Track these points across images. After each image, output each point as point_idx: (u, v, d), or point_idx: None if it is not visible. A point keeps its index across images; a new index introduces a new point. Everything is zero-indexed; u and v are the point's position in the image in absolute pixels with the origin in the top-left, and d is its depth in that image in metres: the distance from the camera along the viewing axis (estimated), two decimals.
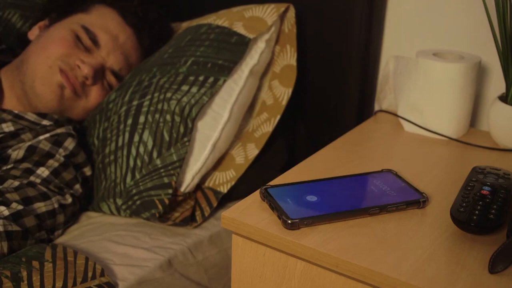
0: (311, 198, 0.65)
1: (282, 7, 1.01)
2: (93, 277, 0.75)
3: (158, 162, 0.93)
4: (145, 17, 1.10)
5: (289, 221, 0.59)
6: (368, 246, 0.58)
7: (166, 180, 0.91)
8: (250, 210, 0.64)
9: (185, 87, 0.96)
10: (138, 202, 0.92)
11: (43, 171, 0.91)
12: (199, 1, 1.21)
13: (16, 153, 0.92)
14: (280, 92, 1.04)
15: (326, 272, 0.59)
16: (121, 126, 0.97)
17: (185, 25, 1.15)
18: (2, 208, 0.81)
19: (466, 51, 0.93)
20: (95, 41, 1.03)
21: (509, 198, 0.63)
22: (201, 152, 0.96)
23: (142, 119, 0.95)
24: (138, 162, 0.94)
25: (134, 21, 1.08)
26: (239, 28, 1.01)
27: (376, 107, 1.01)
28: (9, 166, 0.91)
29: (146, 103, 0.96)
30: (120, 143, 0.96)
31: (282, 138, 1.10)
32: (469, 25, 0.94)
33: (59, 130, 0.98)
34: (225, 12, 1.07)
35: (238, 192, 1.01)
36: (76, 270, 0.75)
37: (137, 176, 0.93)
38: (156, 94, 0.96)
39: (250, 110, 1.07)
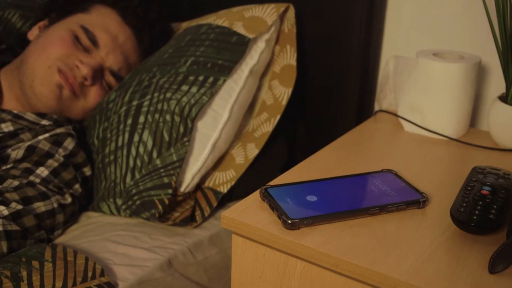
0: (311, 198, 0.65)
1: (282, 7, 1.01)
2: (93, 277, 0.75)
3: (158, 162, 0.93)
4: (145, 17, 1.10)
5: (289, 221, 0.59)
6: (368, 246, 0.58)
7: (166, 180, 0.91)
8: (250, 210, 0.64)
9: (185, 87, 0.96)
10: (138, 202, 0.92)
11: (42, 171, 0.91)
12: (199, 1, 1.21)
13: (16, 153, 0.92)
14: (280, 92, 1.04)
15: (326, 272, 0.59)
16: (121, 126, 0.97)
17: (185, 25, 1.15)
18: (2, 207, 0.81)
19: (466, 51, 0.93)
20: (94, 41, 1.03)
21: (509, 198, 0.63)
22: (201, 152, 0.96)
23: (142, 119, 0.95)
24: (138, 162, 0.94)
25: (134, 21, 1.08)
26: (239, 28, 1.01)
27: (376, 107, 1.01)
28: (8, 166, 0.91)
29: (146, 103, 0.96)
30: (120, 143, 0.96)
31: (282, 138, 1.09)
32: (469, 25, 0.94)
33: (58, 130, 0.98)
34: (225, 12, 1.07)
35: (238, 192, 1.01)
36: (76, 270, 0.75)
37: (137, 176, 0.93)
38: (156, 94, 0.96)
39: (250, 110, 1.06)
